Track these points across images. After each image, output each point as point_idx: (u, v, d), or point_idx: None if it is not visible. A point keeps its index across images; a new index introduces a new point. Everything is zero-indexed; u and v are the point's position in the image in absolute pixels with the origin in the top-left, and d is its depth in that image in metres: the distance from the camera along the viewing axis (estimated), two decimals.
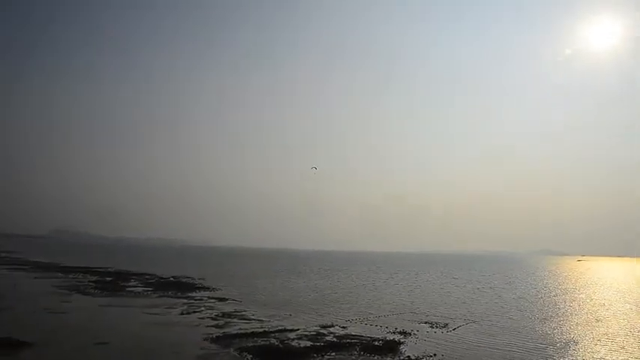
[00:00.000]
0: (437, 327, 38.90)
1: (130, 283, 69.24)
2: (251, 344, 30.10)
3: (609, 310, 53.28)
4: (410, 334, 35.42)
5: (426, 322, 41.07)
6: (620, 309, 55.12)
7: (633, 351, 32.35)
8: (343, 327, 37.37)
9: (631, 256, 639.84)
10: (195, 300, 51.95)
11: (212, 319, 39.70)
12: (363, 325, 38.93)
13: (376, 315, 44.57)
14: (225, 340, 31.31)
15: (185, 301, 51.00)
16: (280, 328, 36.03)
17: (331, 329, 36.24)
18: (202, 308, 45.72)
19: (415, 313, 47.13)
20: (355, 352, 28.95)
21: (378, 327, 37.90)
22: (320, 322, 39.58)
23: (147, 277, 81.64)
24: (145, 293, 57.64)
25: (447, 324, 40.42)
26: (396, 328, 37.15)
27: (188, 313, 42.45)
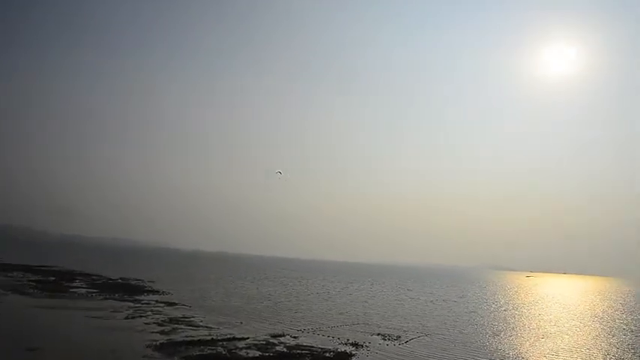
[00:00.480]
0: (389, 339, 38.56)
1: (75, 284, 66.04)
2: (197, 353, 28.84)
3: (556, 326, 54.54)
4: (362, 345, 34.89)
5: (378, 334, 40.68)
6: (566, 325, 56.56)
7: None
8: (294, 337, 36.49)
9: (573, 273, 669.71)
10: (143, 304, 49.88)
11: (158, 324, 38.00)
12: (315, 335, 38.14)
13: (329, 325, 43.87)
14: (169, 347, 29.88)
15: (132, 304, 48.87)
16: (229, 336, 34.78)
17: (282, 339, 35.28)
18: (149, 313, 43.84)
19: (368, 324, 46.72)
20: None
21: (330, 338, 37.19)
22: (271, 331, 38.55)
23: (94, 277, 78.29)
24: (90, 295, 54.99)
25: (399, 336, 40.16)
26: (348, 340, 36.55)
27: (133, 318, 40.55)
